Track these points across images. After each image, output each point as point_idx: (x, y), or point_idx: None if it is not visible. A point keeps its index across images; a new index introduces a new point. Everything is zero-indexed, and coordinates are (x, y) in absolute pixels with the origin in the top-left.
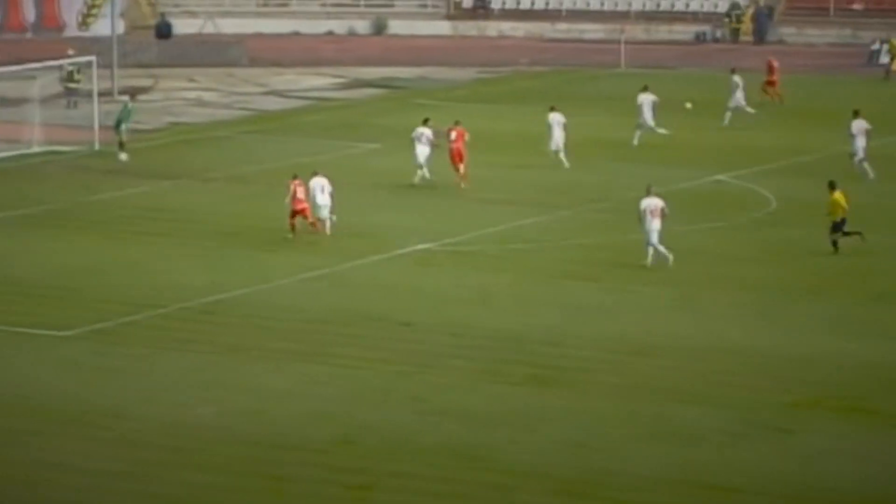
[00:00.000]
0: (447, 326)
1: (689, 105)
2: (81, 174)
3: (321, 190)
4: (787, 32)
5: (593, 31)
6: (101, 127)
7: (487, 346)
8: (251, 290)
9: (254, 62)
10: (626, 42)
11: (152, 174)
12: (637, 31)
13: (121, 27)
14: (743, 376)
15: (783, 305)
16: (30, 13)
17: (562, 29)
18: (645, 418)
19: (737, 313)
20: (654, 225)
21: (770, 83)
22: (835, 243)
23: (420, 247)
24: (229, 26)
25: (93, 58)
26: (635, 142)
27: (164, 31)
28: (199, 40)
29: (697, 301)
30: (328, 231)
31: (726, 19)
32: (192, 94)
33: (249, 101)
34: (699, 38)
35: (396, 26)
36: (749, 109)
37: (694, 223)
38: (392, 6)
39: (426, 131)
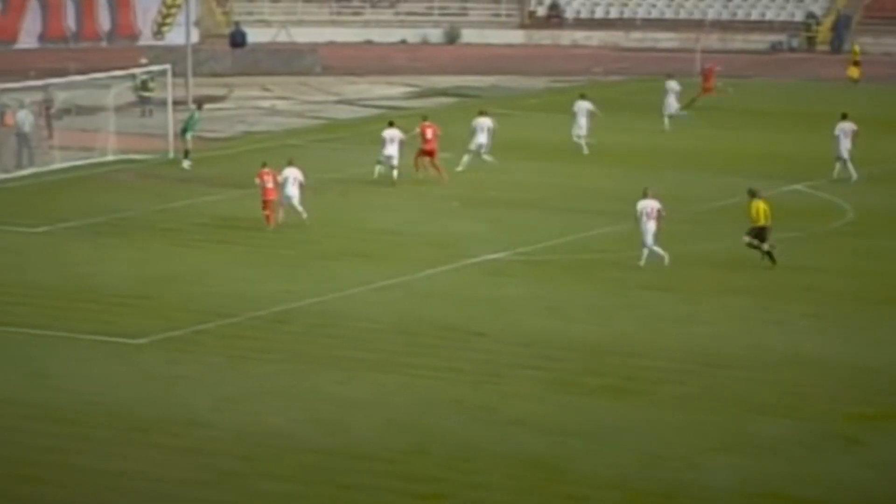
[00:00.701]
0: (520, 336)
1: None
2: (155, 182)
3: (292, 181)
4: (865, 41)
5: (667, 39)
6: (174, 135)
7: (561, 357)
8: (323, 300)
9: (327, 71)
10: (701, 51)
11: (225, 183)
12: (712, 40)
13: (195, 36)
14: (819, 387)
15: (860, 316)
16: (105, 22)
17: (636, 38)
18: (720, 429)
19: (813, 324)
20: (650, 226)
21: (705, 90)
22: (769, 254)
23: (492, 256)
24: (303, 35)
25: (167, 66)
26: (585, 151)
27: (238, 39)
28: (272, 49)
29: (774, 311)
30: (281, 218)
31: (805, 28)
32: (266, 103)
33: (322, 109)
34: (775, 48)
35: (469, 35)
36: (682, 113)
37: (771, 233)
38: (465, 15)
39: (396, 133)
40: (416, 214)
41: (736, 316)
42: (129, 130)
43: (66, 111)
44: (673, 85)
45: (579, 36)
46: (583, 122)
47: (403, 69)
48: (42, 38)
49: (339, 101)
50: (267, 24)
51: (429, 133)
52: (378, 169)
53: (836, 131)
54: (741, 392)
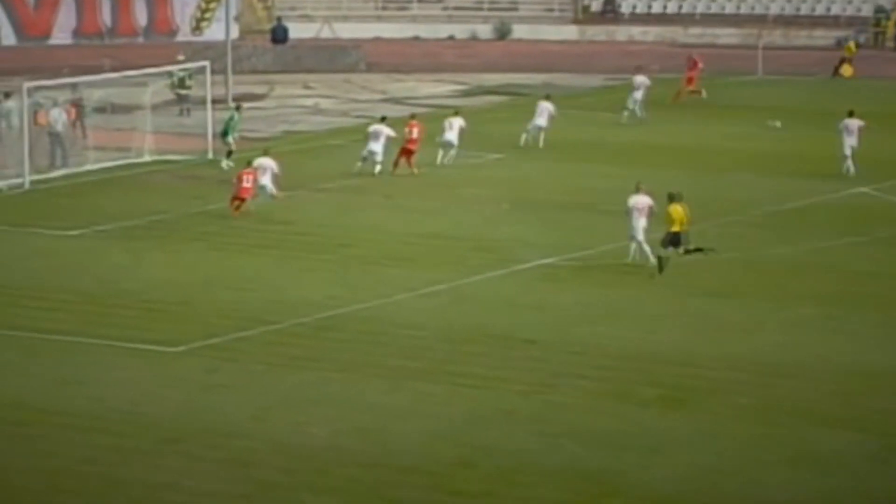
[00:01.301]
0: (571, 344)
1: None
2: (193, 184)
3: (264, 171)
4: None
5: (728, 35)
6: (214, 135)
7: (614, 366)
8: (368, 306)
9: (372, 68)
10: (763, 47)
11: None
12: (775, 36)
13: (235, 32)
14: (885, 399)
15: None
16: (142, 17)
17: (695, 33)
18: (781, 442)
19: (880, 333)
20: (640, 223)
21: (688, 81)
22: (660, 260)
23: (543, 261)
24: (347, 31)
25: (206, 63)
26: (521, 143)
27: (279, 35)
28: (315, 45)
29: (838, 320)
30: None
31: (874, 24)
32: (308, 101)
33: (367, 108)
34: (840, 44)
35: (520, 31)
36: (638, 112)
37: (836, 238)
38: (516, 10)
39: (384, 129)
40: (464, 217)
41: (799, 324)
42: (166, 130)
43: (101, 110)
44: (641, 79)
45: (635, 31)
46: (541, 120)
47: (452, 66)
48: (76, 33)
49: (385, 100)
50: (310, 19)
51: (415, 132)
52: (359, 165)
53: (840, 127)
54: (804, 404)
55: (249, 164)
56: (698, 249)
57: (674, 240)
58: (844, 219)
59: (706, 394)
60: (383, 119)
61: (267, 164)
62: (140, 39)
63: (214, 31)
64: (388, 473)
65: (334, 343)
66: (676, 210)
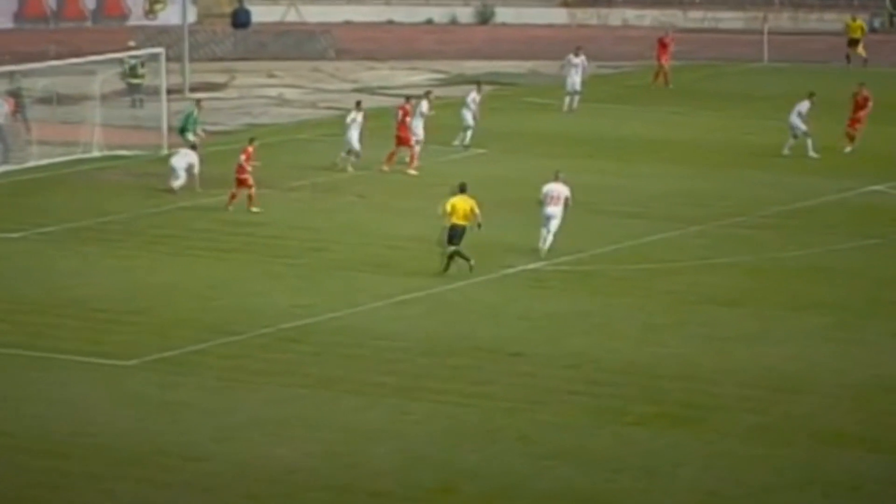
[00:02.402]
0: (563, 357)
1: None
2: (147, 182)
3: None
4: None
5: (731, 19)
6: (169, 129)
7: (609, 381)
8: (340, 315)
9: (342, 55)
10: (770, 32)
11: (227, 182)
12: (782, 20)
13: (192, 15)
14: None
15: None
16: None
17: (695, 17)
18: (792, 464)
19: None
20: (551, 210)
21: (661, 62)
22: (449, 259)
23: (531, 266)
24: (315, 14)
25: (161, 50)
26: (463, 143)
27: (241, 19)
28: (280, 30)
29: (855, 329)
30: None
31: (892, 6)
32: (273, 92)
33: (337, 99)
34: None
35: (504, 14)
36: (572, 92)
37: (850, 240)
38: None
39: (358, 116)
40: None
41: (811, 334)
42: (116, 123)
43: (46, 101)
44: (577, 61)
45: (630, 15)
46: (469, 115)
47: (429, 53)
48: (18, 17)
49: (357, 90)
50: (274, 1)
51: (409, 118)
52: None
53: (799, 107)
54: (817, 422)
55: (252, 140)
56: (465, 258)
57: (455, 233)
58: (858, 219)
59: (710, 411)
60: (359, 104)
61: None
62: (88, 24)
63: (170, 15)
64: (362, 499)
65: (303, 356)
66: (458, 202)
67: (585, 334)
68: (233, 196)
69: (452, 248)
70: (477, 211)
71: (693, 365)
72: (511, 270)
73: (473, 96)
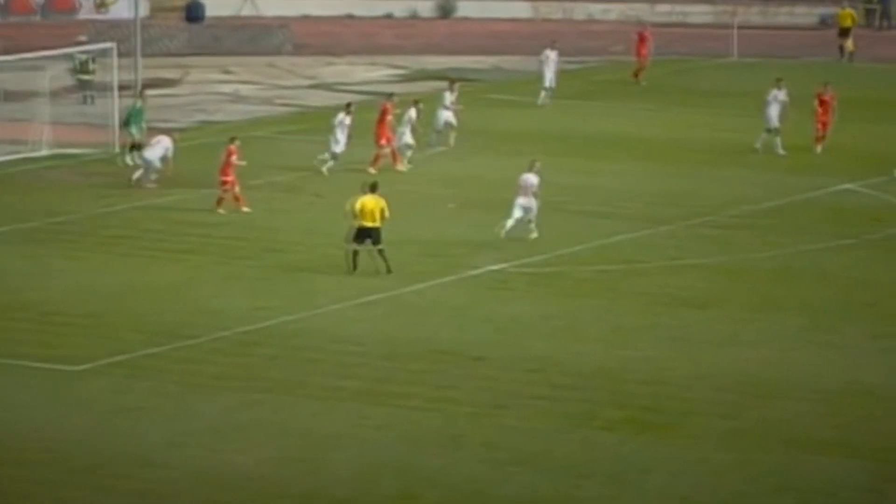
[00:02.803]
0: (527, 361)
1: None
2: (98, 181)
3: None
4: None
5: (700, 13)
6: (121, 126)
7: (575, 385)
8: (298, 318)
9: (299, 50)
10: (739, 27)
11: (182, 182)
12: (752, 14)
13: (144, 9)
14: (880, 421)
15: None
16: None
17: (662, 11)
18: (765, 470)
19: (876, 347)
20: (521, 201)
21: (641, 57)
22: (354, 255)
23: (494, 267)
24: (271, 8)
25: (112, 45)
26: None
27: (194, 13)
28: (235, 24)
29: (829, 332)
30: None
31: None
32: (228, 88)
33: (294, 95)
34: (824, 22)
35: (466, 8)
36: (548, 88)
37: (822, 240)
38: None
39: (346, 119)
40: (406, 219)
41: (784, 337)
42: (66, 120)
43: None
44: (552, 55)
45: (595, 9)
46: (445, 115)
47: (389, 48)
48: None
49: (314, 86)
50: None
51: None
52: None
53: (769, 98)
54: (790, 427)
55: (233, 139)
56: (384, 260)
57: (362, 234)
58: (830, 219)
59: (679, 416)
60: (349, 106)
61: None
62: (36, 18)
63: (121, 9)
64: None
65: (260, 360)
66: (367, 202)
67: (550, 337)
68: (220, 199)
69: (354, 246)
70: (387, 213)
71: (663, 368)
72: (474, 272)
73: (450, 97)
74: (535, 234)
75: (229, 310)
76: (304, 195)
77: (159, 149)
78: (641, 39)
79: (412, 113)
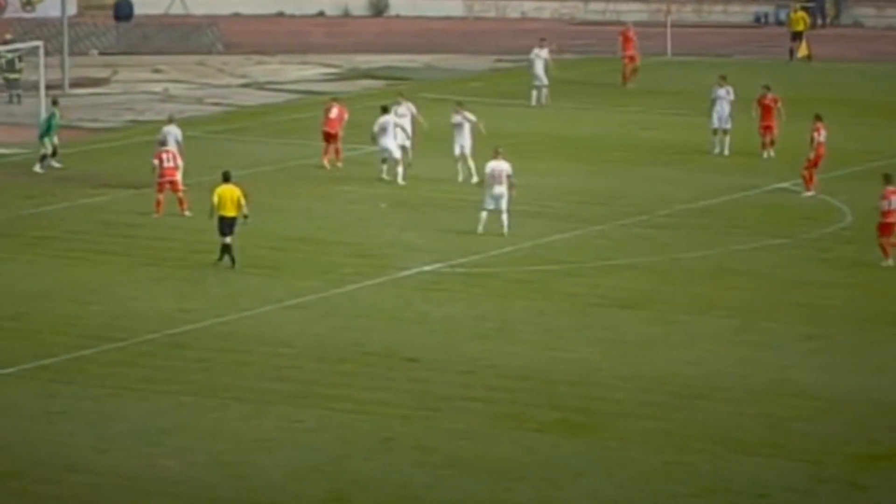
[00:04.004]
0: (459, 363)
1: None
2: (24, 181)
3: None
4: (865, 14)
5: (633, 11)
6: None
7: (507, 387)
8: (227, 320)
9: (230, 49)
10: (673, 25)
11: (110, 182)
12: (686, 13)
13: (72, 7)
14: (812, 423)
15: (862, 338)
16: None
17: (596, 9)
18: (695, 472)
19: (806, 348)
20: (496, 190)
21: (629, 59)
22: (224, 251)
23: (427, 268)
24: (201, 6)
25: (39, 43)
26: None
27: (123, 11)
28: (165, 23)
29: (759, 333)
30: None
31: None
32: (157, 87)
33: (225, 94)
34: (759, 21)
35: (399, 6)
36: (539, 87)
37: (754, 240)
38: None
39: (390, 119)
40: (336, 219)
41: (715, 338)
42: None
43: None
44: (541, 52)
45: (528, 7)
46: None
47: (321, 47)
48: None
49: (245, 85)
50: None
51: (333, 112)
52: (383, 167)
53: (712, 96)
54: (721, 428)
55: (163, 143)
56: (232, 258)
57: (225, 225)
58: (763, 218)
59: (611, 417)
60: (384, 110)
61: (174, 132)
62: None
63: (48, 7)
64: None
65: (188, 363)
66: (223, 193)
67: (483, 339)
68: (180, 201)
69: (223, 239)
70: (243, 201)
71: (594, 370)
72: (406, 272)
73: (404, 110)
74: (505, 230)
75: (156, 312)
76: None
77: (172, 138)
78: (626, 39)
79: (402, 110)
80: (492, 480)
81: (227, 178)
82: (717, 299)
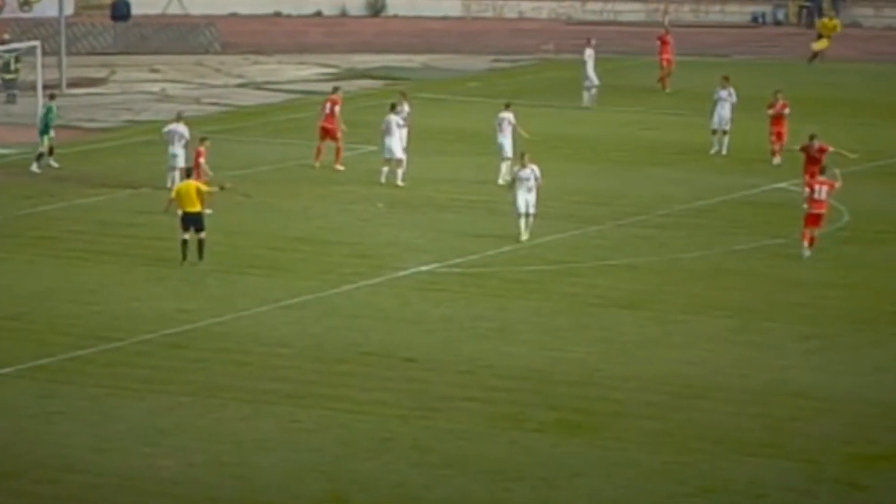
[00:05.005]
0: (457, 363)
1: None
2: (23, 181)
3: (180, 138)
4: (863, 14)
5: (631, 11)
6: (40, 133)
7: (505, 387)
8: (225, 320)
9: (227, 49)
10: (671, 25)
11: (108, 182)
12: (683, 12)
13: (69, 7)
14: (811, 423)
15: (860, 338)
16: None
17: (594, 9)
18: (694, 472)
19: (805, 348)
20: (525, 197)
21: (666, 62)
22: (183, 246)
23: (424, 268)
24: (199, 6)
25: (37, 43)
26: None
27: (121, 11)
28: (162, 23)
29: (758, 333)
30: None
31: None
32: (155, 87)
33: (222, 94)
34: (757, 21)
35: (396, 6)
36: (589, 88)
37: (752, 240)
38: None
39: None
40: (334, 219)
41: (715, 338)
42: None
43: None
44: (590, 52)
45: (526, 7)
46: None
47: (319, 47)
48: None
49: (242, 85)
50: None
51: (327, 107)
52: (384, 170)
53: (715, 97)
54: (720, 428)
55: (203, 139)
56: (198, 254)
57: (187, 221)
58: (762, 218)
59: (610, 417)
60: (393, 107)
61: (180, 130)
62: None
63: (45, 7)
64: None
65: (187, 363)
66: (181, 188)
67: (481, 339)
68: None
69: (183, 235)
70: (203, 189)
71: (592, 370)
72: (404, 273)
73: (399, 119)
74: (525, 236)
75: (154, 312)
76: (231, 195)
77: (181, 142)
78: (663, 43)
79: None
80: (490, 480)
81: (188, 175)
82: (716, 299)
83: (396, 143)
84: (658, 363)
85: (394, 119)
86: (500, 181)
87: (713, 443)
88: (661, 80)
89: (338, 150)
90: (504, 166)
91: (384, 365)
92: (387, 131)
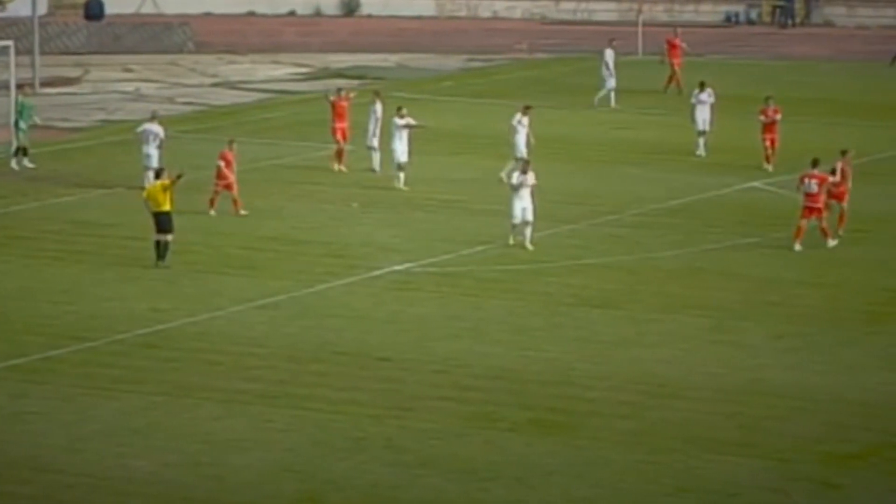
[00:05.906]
0: (431, 362)
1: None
2: None
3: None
4: (836, 13)
5: (605, 11)
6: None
7: (479, 386)
8: (198, 319)
9: (201, 48)
10: (645, 24)
11: (81, 182)
12: (657, 12)
13: (43, 6)
14: (785, 422)
15: (834, 338)
16: None
17: (567, 8)
18: (668, 471)
19: (779, 347)
20: (521, 203)
21: (675, 66)
22: (157, 245)
23: (398, 268)
24: (172, 5)
25: (9, 43)
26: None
27: (94, 10)
28: (136, 22)
29: (732, 332)
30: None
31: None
32: (129, 87)
33: (196, 94)
34: (730, 20)
35: (371, 5)
36: (608, 89)
37: (726, 239)
38: None
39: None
40: (308, 219)
41: (688, 338)
42: None
43: None
44: (609, 53)
45: (500, 7)
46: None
47: (293, 46)
48: None
49: (217, 84)
50: None
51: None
52: (400, 175)
53: (693, 100)
54: (694, 427)
55: (231, 142)
56: (165, 254)
57: (160, 222)
58: (735, 217)
59: (584, 417)
60: (399, 109)
61: (154, 130)
62: None
63: (18, 6)
64: None
65: (161, 363)
66: (150, 189)
67: (455, 338)
68: (212, 201)
69: (157, 236)
70: (167, 184)
71: (566, 369)
72: (378, 272)
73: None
74: (528, 245)
75: (128, 312)
76: (205, 194)
77: (155, 141)
78: (672, 47)
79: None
80: (464, 480)
81: (157, 176)
82: (690, 298)
83: (398, 145)
84: (632, 362)
85: (396, 121)
86: (502, 174)
87: (687, 442)
88: (677, 83)
89: (340, 151)
90: (512, 164)
91: (358, 364)
92: (394, 136)
